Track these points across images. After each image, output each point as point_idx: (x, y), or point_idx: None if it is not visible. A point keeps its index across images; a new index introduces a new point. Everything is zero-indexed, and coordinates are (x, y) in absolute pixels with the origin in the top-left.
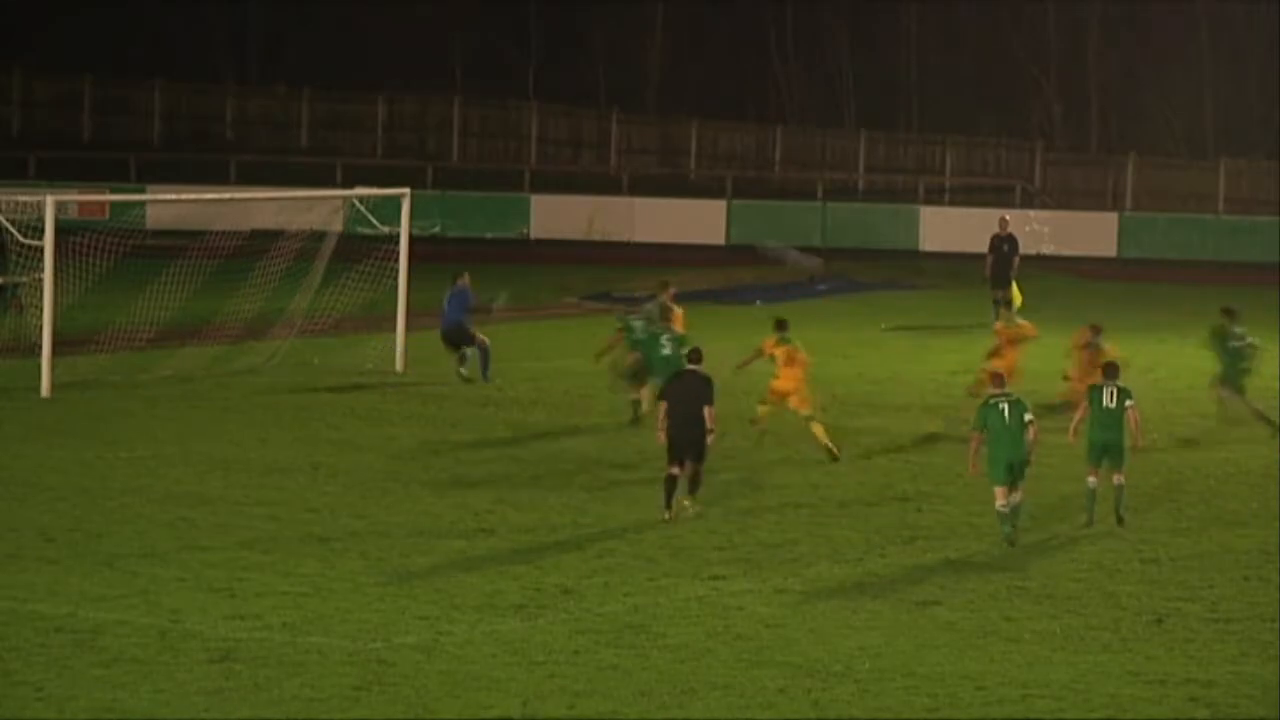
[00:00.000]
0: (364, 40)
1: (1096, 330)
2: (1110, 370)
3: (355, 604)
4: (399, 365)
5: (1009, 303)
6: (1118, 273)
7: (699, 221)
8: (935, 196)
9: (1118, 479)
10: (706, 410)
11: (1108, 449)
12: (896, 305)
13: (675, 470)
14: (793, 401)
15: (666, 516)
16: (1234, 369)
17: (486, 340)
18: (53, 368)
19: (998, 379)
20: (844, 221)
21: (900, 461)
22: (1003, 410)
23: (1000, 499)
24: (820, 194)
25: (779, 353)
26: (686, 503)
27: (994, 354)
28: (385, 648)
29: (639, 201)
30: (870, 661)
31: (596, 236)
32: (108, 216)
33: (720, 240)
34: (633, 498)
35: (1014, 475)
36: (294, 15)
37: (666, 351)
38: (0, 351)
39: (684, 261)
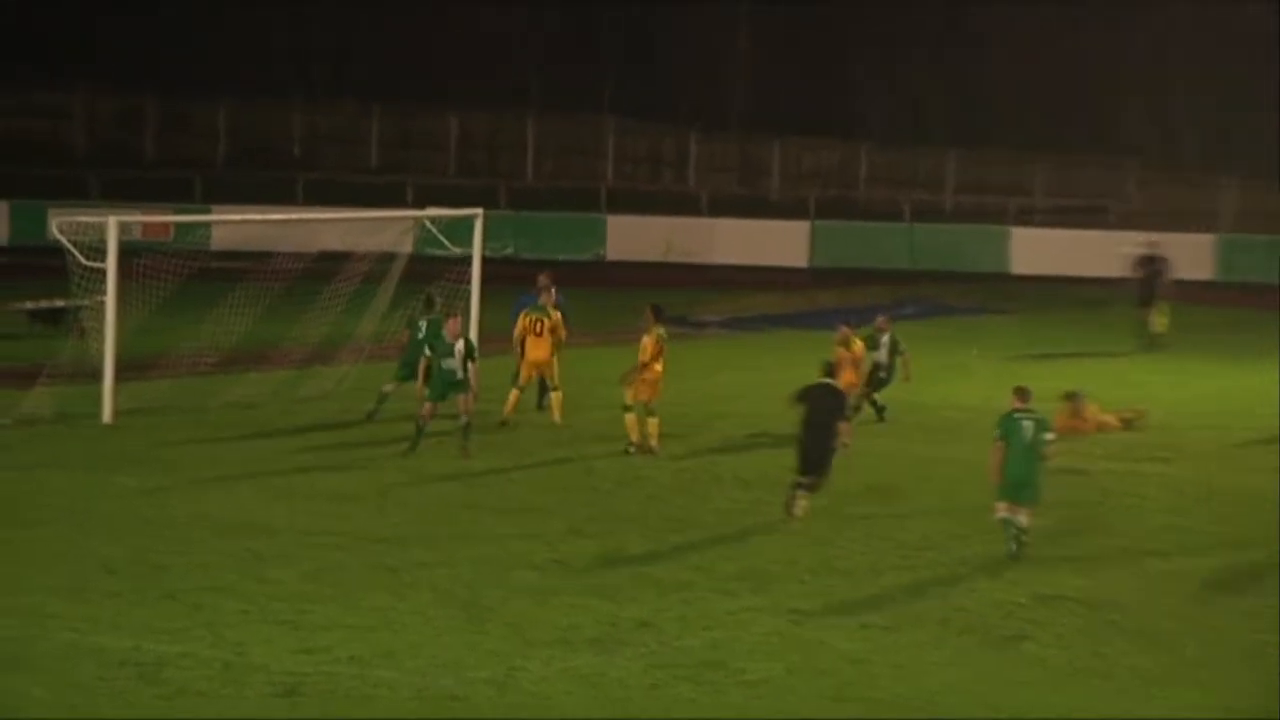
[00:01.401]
0: (435, 55)
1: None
2: None
3: (425, 637)
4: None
5: (1145, 324)
6: (1217, 296)
7: (781, 243)
8: (1026, 217)
9: None
10: (841, 425)
11: None
12: (986, 331)
13: (803, 480)
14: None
15: (790, 516)
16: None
17: None
18: (115, 394)
19: (1022, 394)
20: (932, 243)
21: (987, 493)
22: (1026, 427)
23: (1003, 510)
24: (907, 215)
25: (654, 348)
26: (804, 503)
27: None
28: (456, 683)
29: (718, 222)
30: (956, 699)
31: (674, 258)
32: (172, 238)
33: (803, 263)
34: (710, 528)
35: (1024, 494)
36: (363, 30)
37: (445, 366)
38: (62, 377)
39: (765, 284)
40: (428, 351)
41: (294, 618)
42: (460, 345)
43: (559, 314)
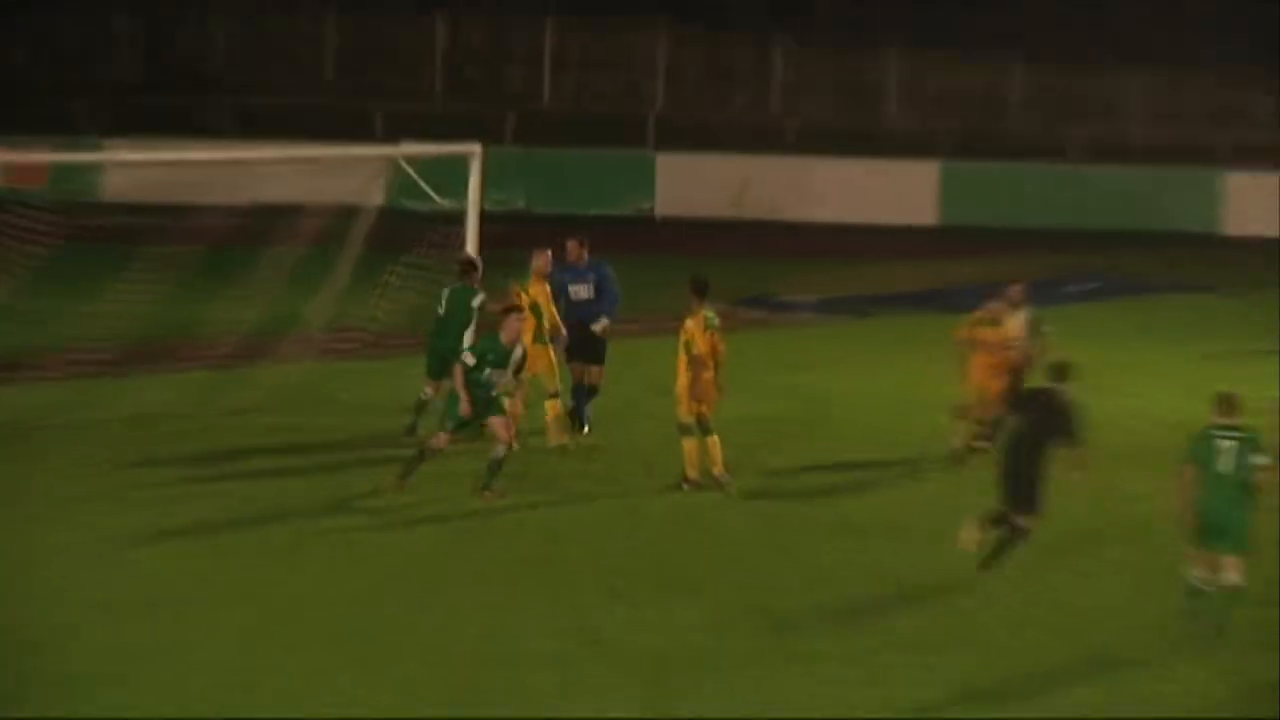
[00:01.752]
0: None
1: None
2: None
3: None
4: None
5: None
6: None
7: (899, 192)
8: (1245, 157)
9: None
10: (1067, 448)
11: None
12: (1189, 316)
13: (1021, 522)
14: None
15: (985, 568)
16: None
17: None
18: None
19: (1226, 404)
20: (1110, 193)
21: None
22: (1225, 448)
23: (1199, 565)
24: (1075, 153)
25: (704, 339)
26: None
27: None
28: None
29: (812, 163)
30: None
31: (750, 213)
32: (48, 184)
33: (929, 219)
34: (798, 592)
35: (1223, 539)
36: None
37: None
38: None
39: (876, 250)
40: (469, 360)
41: (224, 712)
42: (518, 354)
43: (543, 287)
